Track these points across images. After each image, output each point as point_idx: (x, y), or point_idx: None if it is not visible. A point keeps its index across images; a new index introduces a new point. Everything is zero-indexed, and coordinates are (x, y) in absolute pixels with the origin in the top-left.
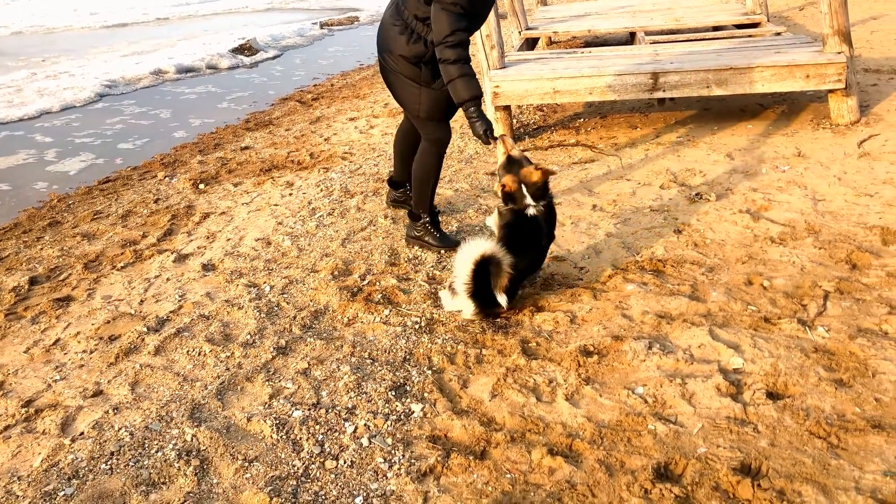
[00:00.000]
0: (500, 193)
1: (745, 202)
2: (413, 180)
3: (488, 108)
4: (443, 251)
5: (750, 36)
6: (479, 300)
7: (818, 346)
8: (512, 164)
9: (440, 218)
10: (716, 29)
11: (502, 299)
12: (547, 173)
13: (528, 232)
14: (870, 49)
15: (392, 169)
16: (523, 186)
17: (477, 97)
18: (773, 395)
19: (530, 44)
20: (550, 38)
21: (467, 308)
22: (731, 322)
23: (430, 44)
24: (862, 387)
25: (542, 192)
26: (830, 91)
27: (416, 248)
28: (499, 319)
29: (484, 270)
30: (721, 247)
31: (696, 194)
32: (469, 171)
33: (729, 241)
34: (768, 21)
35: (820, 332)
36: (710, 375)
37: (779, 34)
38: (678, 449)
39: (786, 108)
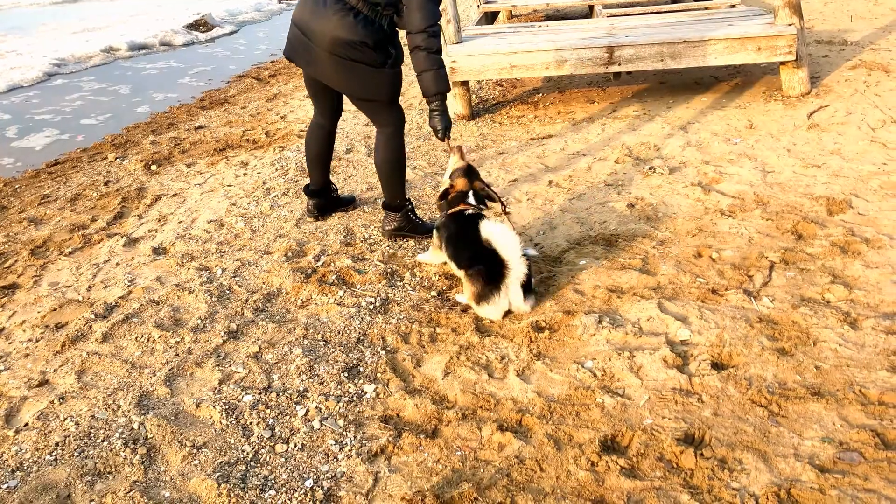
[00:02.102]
0: (444, 192)
1: (697, 175)
2: (384, 173)
3: None
4: (425, 238)
5: (706, 8)
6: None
7: (762, 316)
8: (470, 173)
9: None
10: (674, 1)
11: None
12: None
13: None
14: (823, 21)
15: (309, 178)
16: (471, 193)
17: (446, 91)
18: (717, 366)
19: (490, 17)
20: (511, 11)
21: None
22: (679, 294)
23: (387, 27)
24: (803, 355)
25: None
26: (782, 63)
27: (400, 239)
28: (452, 298)
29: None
30: (672, 220)
31: (650, 168)
32: (427, 147)
33: (680, 214)
34: None
35: (765, 303)
36: (658, 348)
37: (733, 6)
38: (625, 421)
39: (739, 80)
